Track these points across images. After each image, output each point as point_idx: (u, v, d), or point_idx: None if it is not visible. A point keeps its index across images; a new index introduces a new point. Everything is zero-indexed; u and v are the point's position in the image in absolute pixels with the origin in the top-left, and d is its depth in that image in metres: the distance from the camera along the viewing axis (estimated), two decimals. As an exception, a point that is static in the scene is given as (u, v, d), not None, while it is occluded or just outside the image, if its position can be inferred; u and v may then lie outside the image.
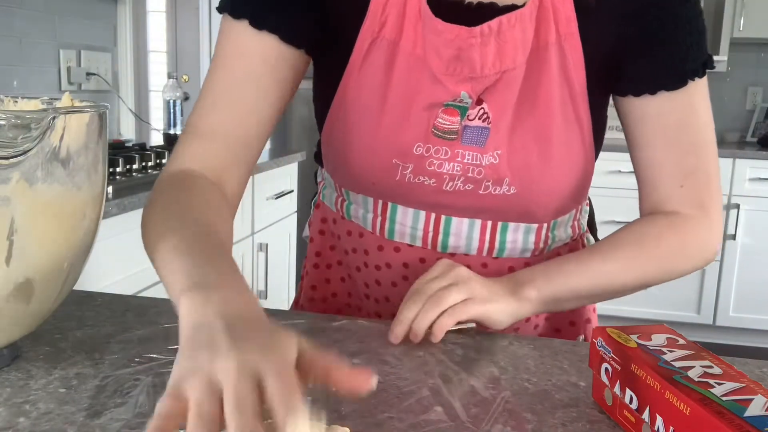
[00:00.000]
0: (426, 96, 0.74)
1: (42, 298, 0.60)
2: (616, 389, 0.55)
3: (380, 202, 0.81)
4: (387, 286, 0.85)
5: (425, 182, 0.76)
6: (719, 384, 0.49)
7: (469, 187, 0.76)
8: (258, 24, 0.74)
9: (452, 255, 0.81)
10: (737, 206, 3.26)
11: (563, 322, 0.90)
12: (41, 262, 0.58)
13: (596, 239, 0.93)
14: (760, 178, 3.25)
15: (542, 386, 0.62)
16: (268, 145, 2.95)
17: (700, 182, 0.78)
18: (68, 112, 0.56)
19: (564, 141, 0.75)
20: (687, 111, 0.77)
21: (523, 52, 0.73)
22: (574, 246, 0.88)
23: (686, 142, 0.77)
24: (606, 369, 0.57)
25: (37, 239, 0.56)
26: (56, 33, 2.34)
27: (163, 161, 1.99)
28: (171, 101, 2.58)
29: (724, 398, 0.47)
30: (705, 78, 0.78)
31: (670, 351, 0.54)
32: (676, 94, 0.76)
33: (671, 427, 0.48)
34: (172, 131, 2.58)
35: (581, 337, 0.91)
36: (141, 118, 2.82)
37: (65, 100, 0.66)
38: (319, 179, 0.95)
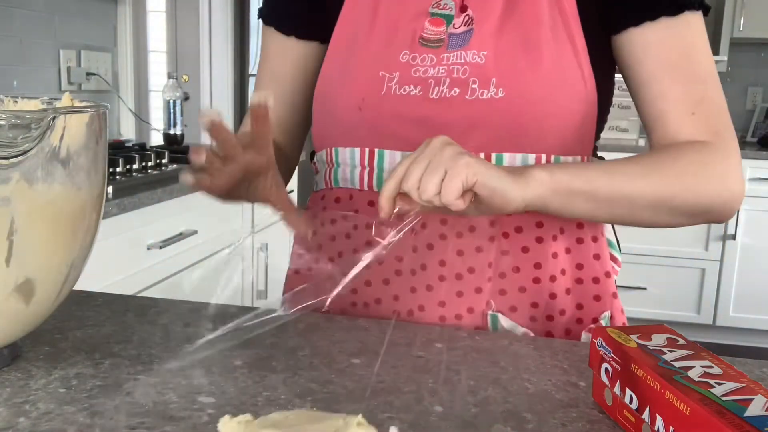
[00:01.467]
0: (412, 6, 0.78)
1: (42, 298, 0.60)
2: (616, 389, 0.55)
3: (366, 151, 0.80)
4: (378, 284, 0.81)
5: (411, 92, 0.76)
6: (719, 384, 0.49)
7: (455, 92, 0.75)
8: (281, 29, 0.88)
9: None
10: (737, 206, 3.26)
11: (587, 297, 0.81)
12: (41, 262, 0.58)
13: None
14: (760, 178, 3.25)
15: (542, 386, 0.62)
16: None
17: (711, 110, 0.74)
18: (68, 112, 0.56)
19: (555, 54, 0.73)
20: (689, 42, 0.74)
21: None
22: None
23: (692, 71, 0.74)
24: (606, 369, 0.57)
25: (37, 239, 0.56)
26: (56, 33, 2.34)
27: (163, 161, 1.99)
28: (171, 101, 2.58)
29: (724, 398, 0.47)
30: (702, 18, 0.76)
31: (670, 351, 0.54)
32: (676, 22, 0.73)
33: (671, 427, 0.48)
34: (172, 131, 2.58)
35: (607, 313, 0.82)
36: (141, 118, 2.82)
37: (65, 100, 0.66)
38: (314, 187, 0.93)
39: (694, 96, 0.74)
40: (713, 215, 0.73)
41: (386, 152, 0.79)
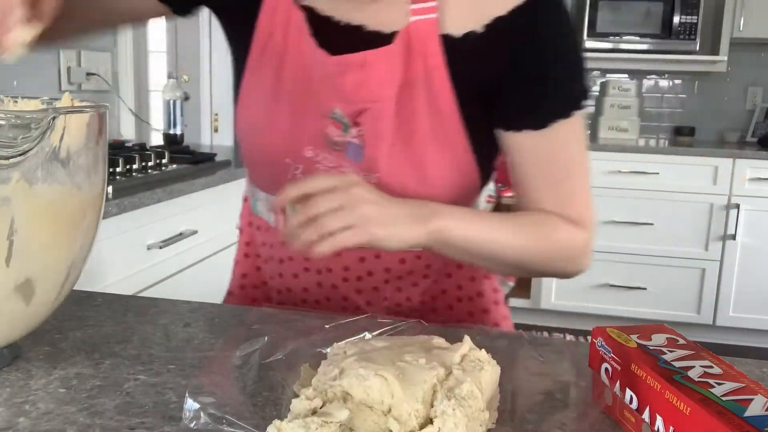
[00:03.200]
0: (313, 104, 0.79)
1: (42, 298, 0.60)
2: (616, 389, 0.55)
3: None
4: (288, 277, 0.90)
5: None
6: (719, 384, 0.49)
7: None
8: None
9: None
10: (737, 206, 3.26)
11: (463, 312, 0.93)
12: (41, 262, 0.58)
13: None
14: (760, 178, 3.25)
15: (542, 386, 0.62)
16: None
17: (578, 204, 0.81)
18: (68, 112, 0.56)
19: (439, 168, 0.79)
20: (556, 145, 0.79)
21: (390, 88, 0.76)
22: None
23: (559, 172, 0.80)
24: (606, 369, 0.57)
25: (37, 239, 0.56)
26: (56, 33, 2.34)
27: (163, 161, 1.99)
28: (171, 101, 2.58)
29: (724, 398, 0.47)
30: (577, 115, 0.79)
31: (670, 351, 0.54)
32: (542, 132, 0.78)
33: (671, 427, 0.48)
34: (172, 131, 2.58)
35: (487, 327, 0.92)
36: (141, 118, 2.82)
37: (65, 100, 0.66)
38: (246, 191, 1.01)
39: (562, 193, 0.81)
40: (560, 277, 0.86)
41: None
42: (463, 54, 0.76)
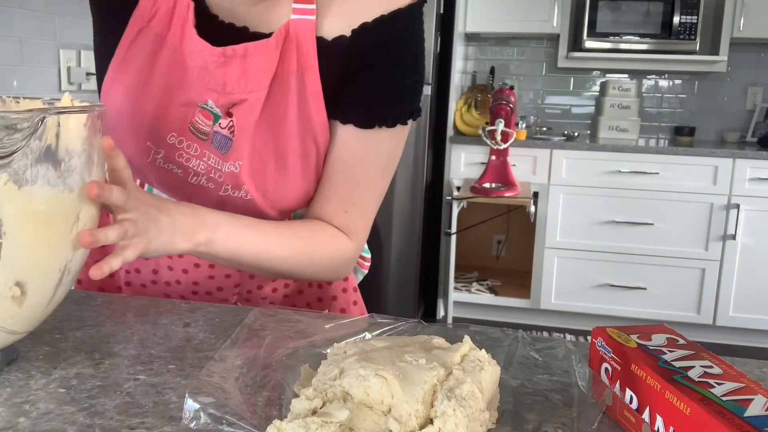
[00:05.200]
0: (183, 92, 0.81)
1: (34, 301, 0.59)
2: (616, 389, 0.55)
3: (137, 182, 0.87)
4: (134, 264, 0.92)
5: (173, 170, 0.84)
6: (719, 384, 0.49)
7: (210, 185, 0.84)
8: None
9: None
10: (737, 206, 3.26)
11: (313, 298, 0.99)
12: (32, 264, 0.57)
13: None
14: (760, 178, 3.25)
15: (542, 386, 0.62)
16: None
17: (359, 214, 0.88)
18: (59, 113, 0.55)
19: (300, 161, 0.83)
20: (369, 150, 0.85)
21: (267, 77, 0.79)
22: None
23: (360, 175, 0.86)
24: (606, 369, 0.57)
25: (27, 242, 0.56)
26: (56, 33, 2.34)
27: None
28: (171, 101, 2.57)
29: (724, 398, 0.47)
30: (400, 129, 0.85)
31: (670, 351, 0.54)
32: (363, 132, 0.83)
33: (671, 427, 0.48)
34: (172, 131, 2.58)
35: (325, 311, 0.97)
36: (141, 118, 2.82)
37: (65, 101, 0.66)
38: None
39: (353, 198, 0.86)
40: (325, 281, 0.96)
41: (154, 190, 0.88)
42: (331, 56, 0.81)
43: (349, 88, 0.82)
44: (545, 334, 3.39)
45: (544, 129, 3.84)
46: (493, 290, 3.62)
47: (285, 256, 0.82)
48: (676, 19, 3.51)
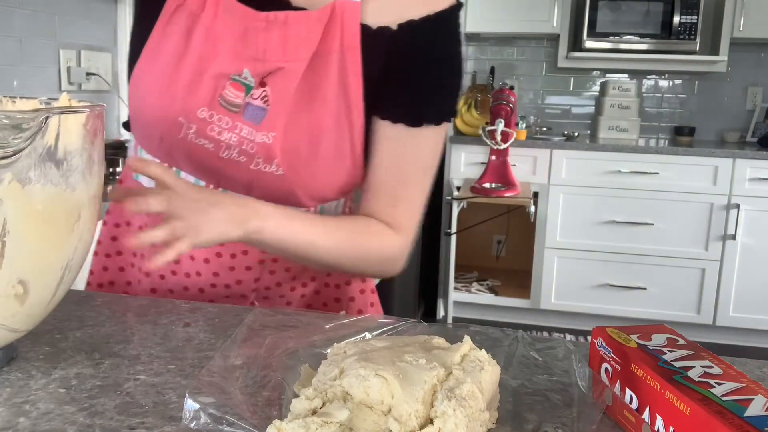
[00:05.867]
0: (216, 66, 0.82)
1: (36, 299, 0.59)
2: (616, 389, 0.55)
3: (165, 166, 0.86)
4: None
5: (205, 145, 0.83)
6: (719, 384, 0.49)
7: (242, 159, 0.83)
8: None
9: None
10: (737, 206, 3.26)
11: (330, 299, 0.99)
12: (34, 263, 0.57)
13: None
14: (760, 178, 3.25)
15: (542, 386, 0.62)
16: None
17: (408, 210, 0.90)
18: (62, 112, 0.55)
19: (334, 141, 0.83)
20: (416, 147, 0.87)
21: (306, 50, 0.81)
22: None
23: (407, 172, 0.88)
24: (606, 369, 0.57)
25: (30, 241, 0.56)
26: (56, 33, 2.34)
27: (163, 161, 1.99)
28: (171, 101, 2.57)
29: (724, 398, 0.47)
30: (443, 127, 0.88)
31: (670, 351, 0.54)
32: (411, 130, 0.86)
33: (671, 427, 0.48)
34: (172, 131, 2.58)
35: (342, 312, 0.98)
36: (141, 118, 2.82)
37: (63, 100, 0.66)
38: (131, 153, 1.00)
39: (401, 195, 0.89)
40: (374, 277, 0.99)
41: (182, 174, 0.88)
42: (374, 44, 0.83)
43: (394, 85, 0.84)
44: (545, 334, 3.39)
45: (544, 129, 3.84)
46: (493, 290, 3.62)
47: (332, 247, 0.84)
48: (676, 19, 3.51)
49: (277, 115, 0.82)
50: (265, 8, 0.81)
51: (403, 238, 0.90)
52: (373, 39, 0.83)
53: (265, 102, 0.82)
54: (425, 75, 0.85)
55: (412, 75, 0.85)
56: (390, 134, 0.86)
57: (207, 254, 0.90)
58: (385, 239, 0.88)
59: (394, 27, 0.83)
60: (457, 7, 0.86)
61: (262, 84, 0.82)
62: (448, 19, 0.85)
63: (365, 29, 0.83)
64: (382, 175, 0.88)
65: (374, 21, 0.83)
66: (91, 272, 1.00)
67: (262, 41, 0.81)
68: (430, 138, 0.88)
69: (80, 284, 0.99)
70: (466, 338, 0.59)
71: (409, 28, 0.83)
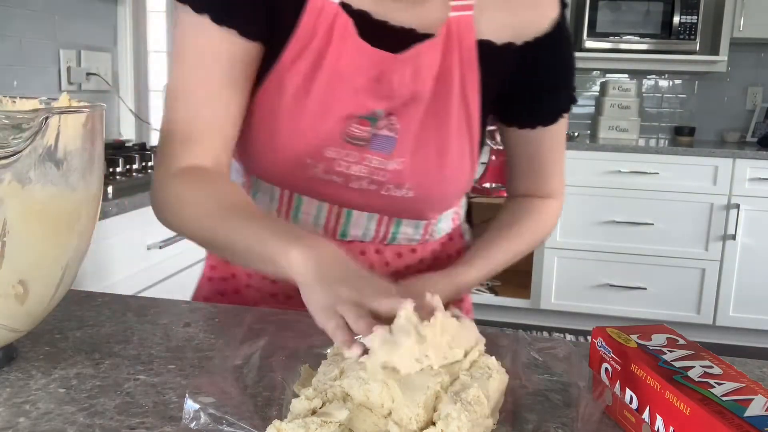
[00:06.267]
0: (343, 107, 0.80)
1: (36, 299, 0.59)
2: (616, 389, 0.55)
3: (287, 193, 0.87)
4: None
5: (333, 179, 0.83)
6: (719, 384, 0.49)
7: (372, 187, 0.84)
8: (219, 19, 0.76)
9: (350, 242, 0.89)
10: (737, 206, 3.26)
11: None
12: (35, 263, 0.57)
13: (469, 223, 1.07)
14: (760, 178, 3.25)
15: (542, 386, 0.62)
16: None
17: (558, 179, 0.98)
18: (62, 113, 0.55)
19: (458, 153, 0.85)
20: (555, 134, 0.93)
21: (432, 75, 0.82)
22: (453, 234, 0.99)
23: (551, 156, 0.95)
24: (606, 369, 0.57)
25: (30, 241, 0.56)
26: (56, 33, 2.34)
27: (163, 161, 1.99)
28: (171, 101, 2.57)
29: (724, 398, 0.47)
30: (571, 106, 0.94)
31: (670, 351, 0.54)
32: (550, 126, 0.92)
33: (671, 427, 0.48)
34: (172, 131, 2.57)
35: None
36: (141, 118, 2.82)
37: (63, 100, 0.66)
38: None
39: (551, 170, 0.97)
40: None
41: (304, 199, 0.87)
42: (497, 59, 0.85)
43: (528, 97, 0.90)
44: (545, 334, 3.39)
45: (544, 129, 3.83)
46: (493, 290, 3.62)
47: (523, 251, 0.94)
48: (676, 19, 3.51)
49: (406, 142, 0.82)
50: (399, 48, 0.80)
51: (559, 201, 0.99)
52: (499, 55, 0.84)
53: (392, 131, 0.82)
54: (557, 80, 0.90)
55: (542, 84, 0.89)
56: (531, 137, 0.92)
57: None
58: (551, 213, 0.98)
59: (519, 43, 0.85)
60: (563, 8, 0.88)
61: (389, 114, 0.81)
62: (563, 24, 0.87)
63: (487, 44, 0.84)
64: (528, 165, 0.95)
65: (497, 36, 0.84)
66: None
67: (397, 80, 0.80)
68: (563, 122, 0.93)
69: (82, 285, 0.99)
70: (479, 343, 0.58)
71: (536, 44, 0.85)
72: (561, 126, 0.94)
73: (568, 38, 0.90)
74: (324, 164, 0.82)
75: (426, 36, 0.81)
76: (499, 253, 0.92)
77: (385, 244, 0.91)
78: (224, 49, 0.77)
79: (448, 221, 0.96)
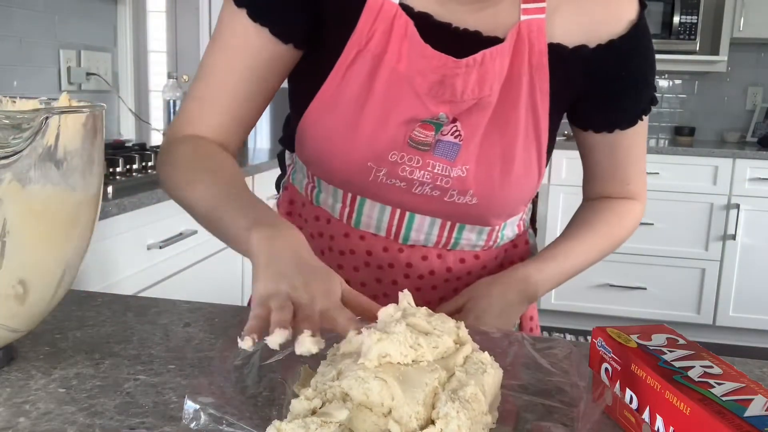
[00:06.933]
0: (405, 110, 0.79)
1: (36, 299, 0.59)
2: (616, 389, 0.55)
3: (350, 194, 0.87)
4: (349, 270, 0.91)
5: (396, 184, 0.82)
6: (719, 384, 0.49)
7: (436, 193, 0.83)
8: (254, 15, 0.79)
9: (412, 246, 0.88)
10: (737, 206, 3.26)
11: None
12: (35, 263, 0.57)
13: (534, 230, 1.05)
14: (760, 178, 3.25)
15: (542, 386, 0.62)
16: (268, 145, 2.94)
17: (640, 180, 0.96)
18: (62, 113, 0.55)
19: (524, 160, 0.83)
20: (635, 136, 0.91)
21: (499, 81, 0.80)
22: (518, 241, 0.98)
23: (632, 157, 0.93)
24: (606, 369, 0.57)
25: (30, 241, 0.56)
26: (56, 33, 2.34)
27: (163, 161, 1.99)
28: (171, 101, 2.58)
29: (724, 398, 0.47)
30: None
31: (670, 351, 0.54)
32: (630, 129, 0.89)
33: (671, 427, 0.48)
34: (172, 131, 2.58)
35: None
36: (141, 118, 2.82)
37: (62, 100, 0.66)
38: (287, 162, 0.99)
39: (632, 172, 0.94)
40: None
41: (367, 201, 0.86)
42: (569, 63, 0.82)
43: (605, 102, 0.87)
44: (545, 334, 3.38)
45: (544, 129, 3.84)
46: (493, 290, 3.61)
47: (597, 258, 0.94)
48: (676, 19, 3.51)
49: (471, 148, 0.80)
50: (463, 53, 0.78)
51: (642, 203, 0.96)
52: (571, 59, 0.82)
53: (456, 137, 0.80)
54: (635, 82, 0.86)
55: (621, 87, 0.86)
56: (608, 140, 0.90)
57: (396, 277, 0.90)
58: (632, 216, 0.95)
59: (592, 46, 0.82)
60: (642, 9, 0.84)
61: (453, 120, 0.80)
62: (643, 25, 0.84)
63: (560, 48, 0.81)
64: (606, 168, 0.93)
65: (569, 40, 0.82)
66: None
67: (460, 85, 0.78)
68: (643, 123, 0.90)
69: (82, 285, 0.99)
70: (468, 340, 0.59)
71: (610, 48, 0.82)
72: (641, 127, 0.90)
73: (649, 39, 0.86)
74: (387, 168, 0.81)
75: (492, 39, 0.79)
76: (572, 256, 0.90)
77: (447, 249, 0.89)
78: (253, 43, 0.80)
79: (512, 228, 0.94)
